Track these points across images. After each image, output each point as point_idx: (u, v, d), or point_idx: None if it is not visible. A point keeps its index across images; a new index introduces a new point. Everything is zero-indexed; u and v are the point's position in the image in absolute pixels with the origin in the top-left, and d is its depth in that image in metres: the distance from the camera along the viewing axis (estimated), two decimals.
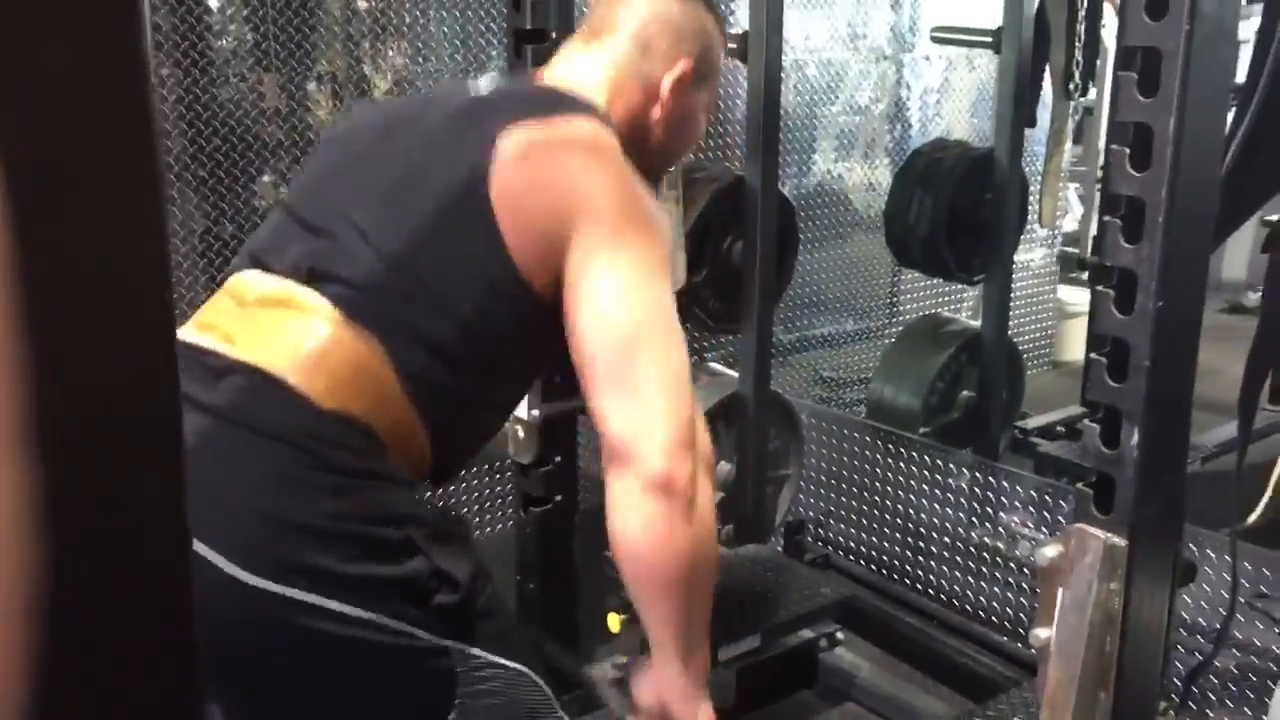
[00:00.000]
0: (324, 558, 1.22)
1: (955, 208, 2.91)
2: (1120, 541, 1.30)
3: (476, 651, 1.32)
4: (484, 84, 1.57)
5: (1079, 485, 1.37)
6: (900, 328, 3.78)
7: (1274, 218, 1.74)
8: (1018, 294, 3.78)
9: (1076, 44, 2.94)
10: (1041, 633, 1.38)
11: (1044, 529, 2.72)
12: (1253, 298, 5.16)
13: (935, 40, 3.33)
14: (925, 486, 2.89)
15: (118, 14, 0.61)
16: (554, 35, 2.01)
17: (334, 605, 1.22)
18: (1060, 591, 1.36)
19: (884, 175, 3.95)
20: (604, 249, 1.33)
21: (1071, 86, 2.96)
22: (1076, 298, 4.70)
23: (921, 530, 2.85)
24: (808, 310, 3.92)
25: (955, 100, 4.20)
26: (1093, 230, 3.66)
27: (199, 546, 1.15)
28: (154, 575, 0.68)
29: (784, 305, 3.53)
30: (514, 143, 1.36)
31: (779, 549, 2.79)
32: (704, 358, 3.26)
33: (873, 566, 2.93)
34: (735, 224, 2.45)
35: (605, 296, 1.32)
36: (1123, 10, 1.25)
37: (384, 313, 1.32)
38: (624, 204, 1.36)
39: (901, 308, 4.13)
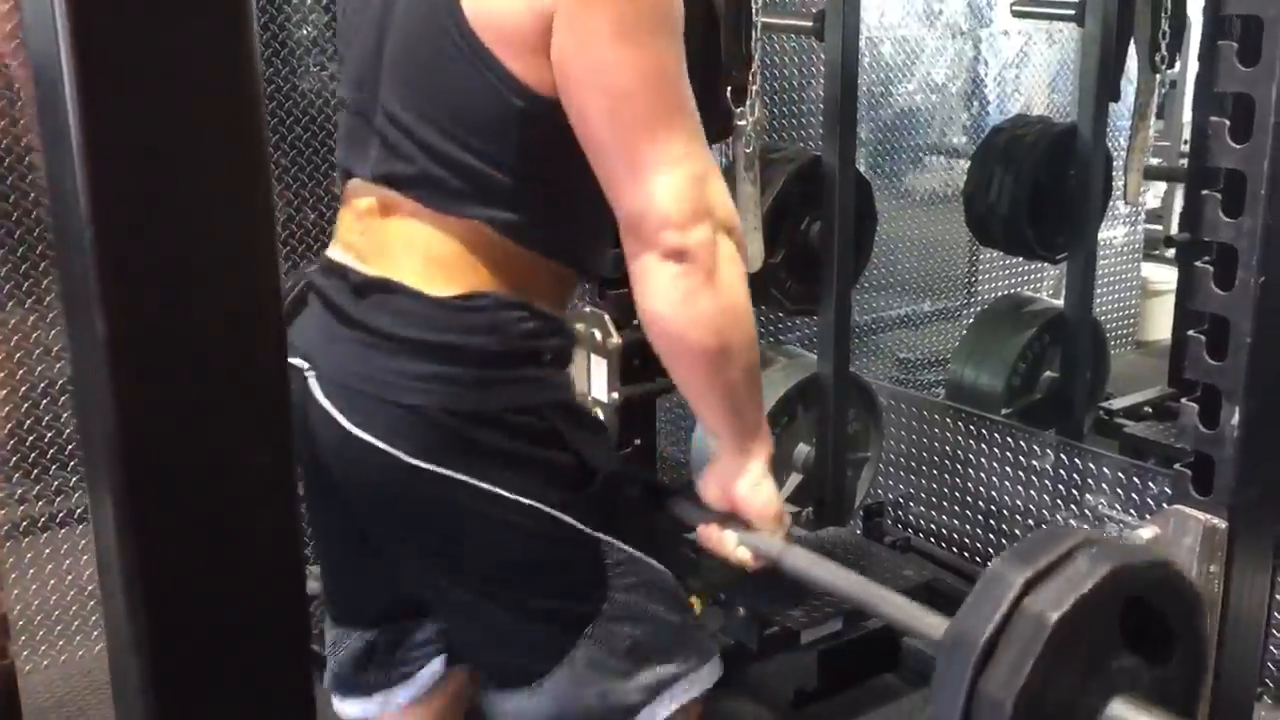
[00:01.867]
0: (483, 445, 1.30)
1: (1038, 185, 2.86)
2: (1220, 523, 1.27)
3: (621, 545, 1.37)
4: None
5: (1176, 466, 1.34)
6: (979, 308, 3.72)
7: None
8: (1100, 272, 3.70)
9: (1163, 15, 2.86)
10: None
11: (1131, 511, 2.66)
12: None
13: (1016, 14, 3.27)
14: (1008, 469, 2.85)
15: (228, 9, 0.62)
16: None
17: (490, 488, 1.29)
18: None
19: (961, 153, 3.89)
20: (582, 20, 1.22)
21: (1158, 59, 2.89)
22: (1161, 276, 4.59)
23: (1004, 513, 2.82)
24: (884, 291, 3.87)
25: (1034, 75, 4.11)
26: (1177, 206, 3.57)
27: (376, 442, 1.29)
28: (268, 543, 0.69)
29: (860, 286, 3.50)
30: None
31: (858, 532, 2.77)
32: (780, 340, 3.24)
33: (954, 549, 2.89)
34: (813, 205, 2.43)
35: (596, 74, 1.23)
36: None
37: (454, 191, 1.32)
38: None
39: (980, 288, 4.07)
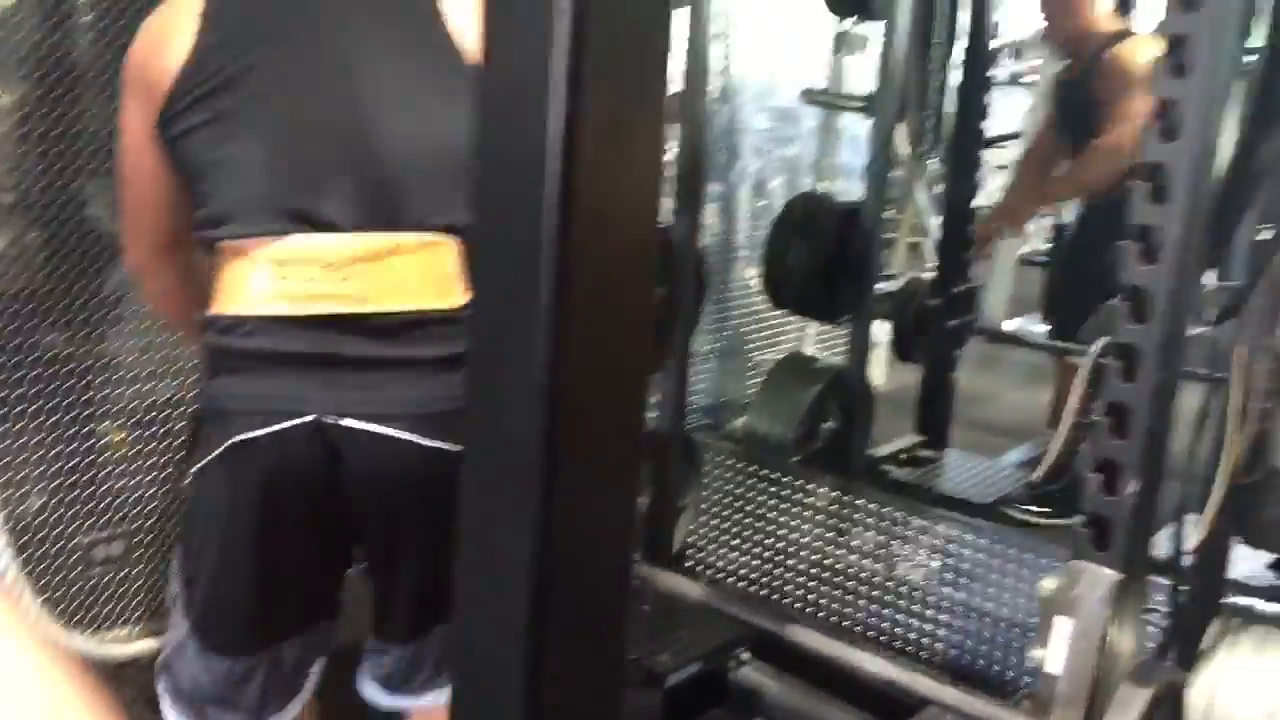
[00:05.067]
0: None
1: (829, 256, 3.15)
2: (1118, 575, 1.54)
3: None
4: None
5: (1074, 526, 1.60)
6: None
7: None
8: (824, 325, 3.99)
9: (927, 111, 3.26)
10: (1037, 653, 1.61)
11: (905, 546, 3.00)
12: (1008, 325, 5.72)
13: (806, 101, 3.58)
14: (793, 509, 3.13)
15: None
16: None
17: None
18: (1060, 620, 1.58)
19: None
20: None
21: (920, 151, 3.28)
22: (876, 329, 5.08)
23: (790, 549, 3.08)
24: None
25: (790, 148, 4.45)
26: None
27: (453, 448, 1.51)
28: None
29: None
30: None
31: (674, 574, 2.93)
32: None
33: (757, 589, 3.13)
34: (660, 273, 2.60)
35: None
36: None
37: (441, 208, 1.60)
38: None
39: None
